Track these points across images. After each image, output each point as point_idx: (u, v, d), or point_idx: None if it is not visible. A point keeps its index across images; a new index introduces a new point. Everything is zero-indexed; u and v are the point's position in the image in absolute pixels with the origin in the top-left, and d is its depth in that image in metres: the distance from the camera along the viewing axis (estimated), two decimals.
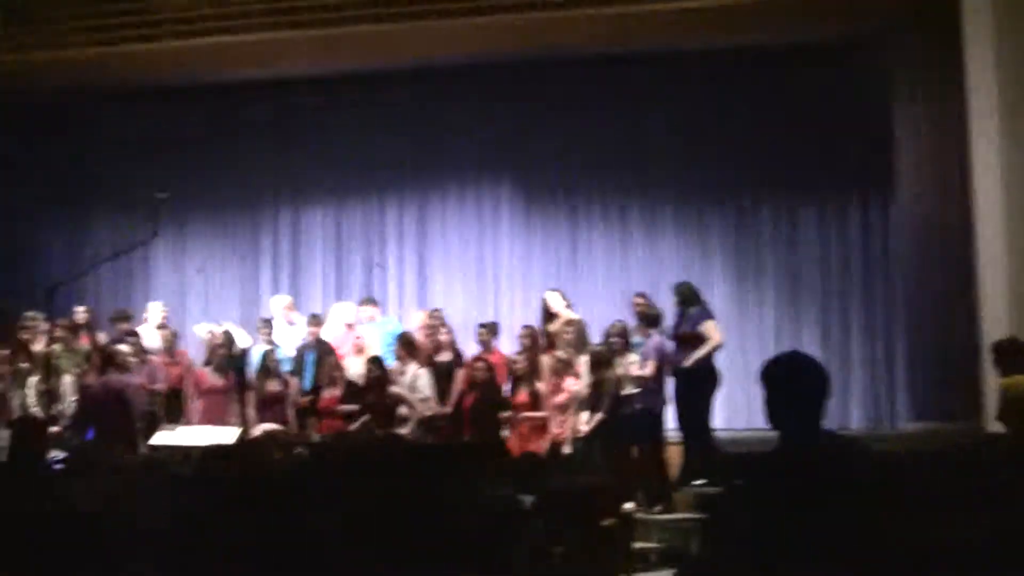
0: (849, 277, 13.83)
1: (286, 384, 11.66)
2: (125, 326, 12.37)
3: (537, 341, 11.24)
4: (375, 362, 11.14)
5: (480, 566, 3.86)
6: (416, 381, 11.16)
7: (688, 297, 10.75)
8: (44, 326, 11.66)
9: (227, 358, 11.77)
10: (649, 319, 10.52)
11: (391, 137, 15.23)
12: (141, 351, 11.56)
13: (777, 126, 13.88)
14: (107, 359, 10.43)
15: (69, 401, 10.99)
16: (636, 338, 10.82)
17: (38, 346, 11.42)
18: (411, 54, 13.94)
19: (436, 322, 12.12)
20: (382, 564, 3.51)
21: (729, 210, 14.13)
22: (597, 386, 10.08)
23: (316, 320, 12.53)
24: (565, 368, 10.45)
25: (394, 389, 11.02)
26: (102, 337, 12.33)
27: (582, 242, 14.60)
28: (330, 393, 11.39)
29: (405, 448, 5.95)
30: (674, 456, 10.38)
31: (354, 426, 10.86)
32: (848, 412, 13.39)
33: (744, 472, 3.83)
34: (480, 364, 10.99)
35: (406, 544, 3.83)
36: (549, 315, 11.71)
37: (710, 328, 10.39)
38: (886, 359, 13.63)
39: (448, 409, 11.22)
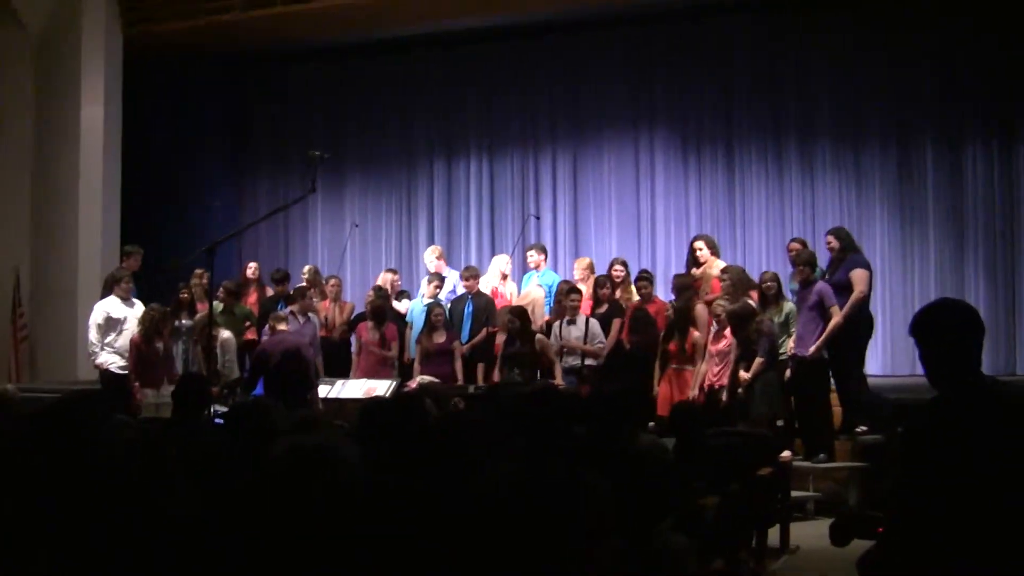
0: (1016, 216, 13.17)
1: (455, 336, 11.74)
2: (284, 287, 12.70)
3: (686, 290, 11.08)
4: (517, 313, 11.12)
5: (628, 515, 3.85)
6: (576, 331, 11.09)
7: (846, 243, 10.47)
8: (205, 283, 11.99)
9: (385, 312, 11.95)
10: (810, 263, 10.26)
11: (545, 88, 15.31)
12: (309, 309, 11.87)
13: (935, 60, 13.45)
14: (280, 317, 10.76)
15: (228, 358, 11.33)
16: (793, 284, 10.61)
17: (200, 304, 11.79)
18: (566, 4, 14.08)
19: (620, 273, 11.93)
20: (534, 513, 3.51)
21: (889, 149, 13.68)
22: (744, 341, 9.93)
23: (471, 272, 12.54)
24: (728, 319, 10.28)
25: (540, 338, 11.01)
26: (251, 296, 12.74)
27: (738, 187, 14.36)
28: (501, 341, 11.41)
29: (559, 397, 5.94)
30: (833, 404, 10.19)
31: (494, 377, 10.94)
32: (1017, 357, 12.88)
33: (904, 420, 3.75)
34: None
35: (558, 495, 3.82)
36: (697, 263, 11.56)
37: (857, 278, 10.07)
38: None
39: (599, 361, 11.12)
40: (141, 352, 10.87)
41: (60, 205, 13.94)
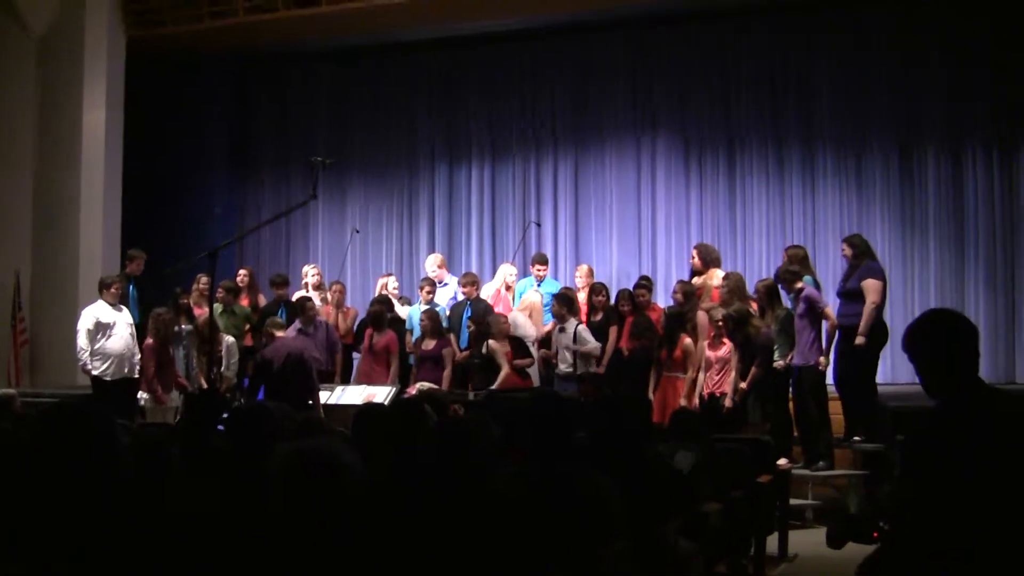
0: (1017, 224, 13.11)
1: (446, 342, 11.73)
2: (283, 291, 12.68)
3: (692, 296, 11.10)
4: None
5: (635, 518, 3.83)
6: (565, 338, 11.16)
7: (860, 250, 10.43)
8: (204, 288, 11.97)
9: (384, 317, 11.92)
10: (784, 279, 10.25)
11: (547, 93, 15.29)
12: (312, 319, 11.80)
13: (937, 67, 13.43)
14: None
15: (231, 363, 11.33)
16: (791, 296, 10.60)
17: (198, 309, 11.77)
18: (568, 9, 14.10)
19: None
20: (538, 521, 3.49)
21: (890, 156, 13.67)
22: (742, 345, 9.96)
23: (469, 278, 12.51)
24: (723, 323, 10.29)
25: (490, 343, 11.07)
26: (242, 302, 12.73)
27: (739, 194, 14.33)
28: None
29: (562, 405, 5.92)
30: (833, 412, 10.18)
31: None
32: (1016, 366, 12.84)
33: (905, 429, 3.74)
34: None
35: (564, 501, 3.81)
36: (697, 270, 11.58)
37: (869, 288, 10.04)
38: None
39: (600, 369, 11.17)
40: (158, 356, 10.86)
41: (61, 208, 13.90)
